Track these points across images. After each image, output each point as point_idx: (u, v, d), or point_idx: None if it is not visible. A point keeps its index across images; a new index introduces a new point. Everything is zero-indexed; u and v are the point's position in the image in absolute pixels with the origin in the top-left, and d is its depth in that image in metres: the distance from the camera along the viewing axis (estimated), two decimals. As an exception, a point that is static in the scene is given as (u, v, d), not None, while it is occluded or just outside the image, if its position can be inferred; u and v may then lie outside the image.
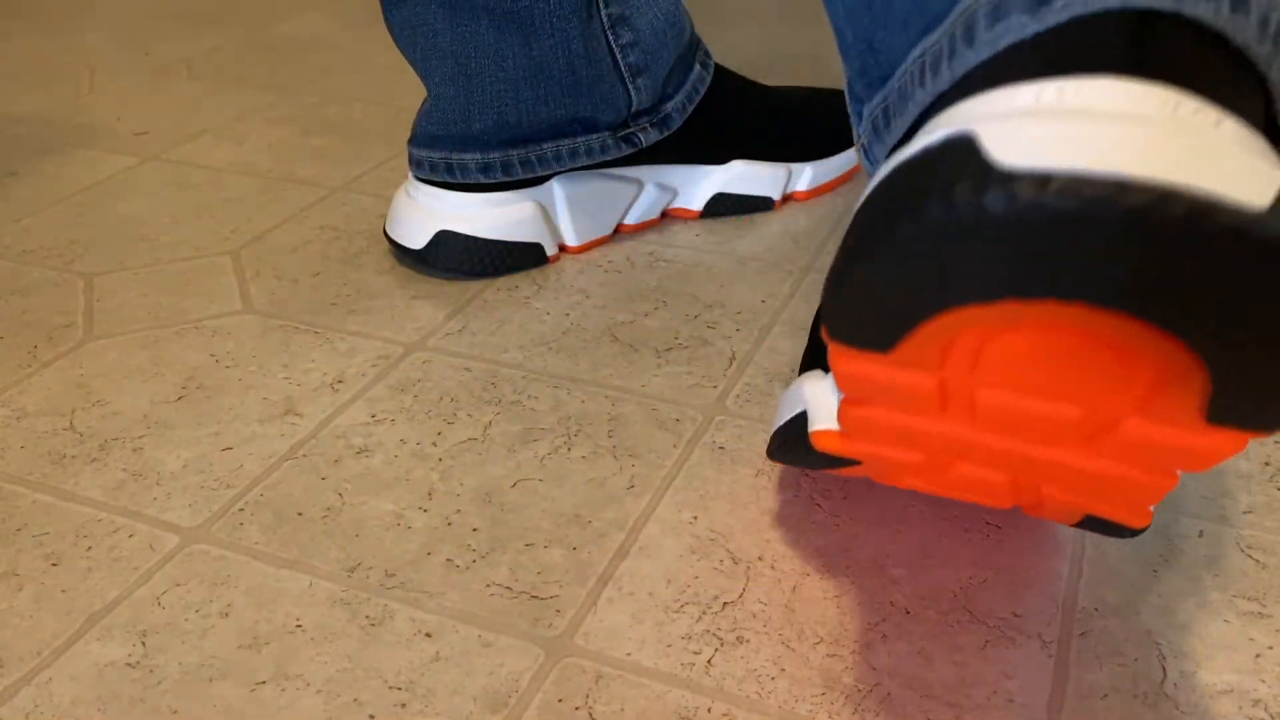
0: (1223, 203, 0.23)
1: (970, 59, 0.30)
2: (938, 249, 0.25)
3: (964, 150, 0.25)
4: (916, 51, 0.32)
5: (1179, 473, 0.32)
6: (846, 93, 0.40)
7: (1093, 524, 0.37)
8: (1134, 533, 0.37)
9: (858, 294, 0.27)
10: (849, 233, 0.27)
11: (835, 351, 0.30)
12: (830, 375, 0.40)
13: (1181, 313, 0.24)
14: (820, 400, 0.39)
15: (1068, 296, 0.25)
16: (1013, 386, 0.29)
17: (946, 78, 0.31)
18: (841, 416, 0.34)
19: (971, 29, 0.30)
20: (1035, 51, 0.28)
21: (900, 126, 0.34)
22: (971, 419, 0.31)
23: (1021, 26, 0.29)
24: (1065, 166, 0.23)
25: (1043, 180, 0.23)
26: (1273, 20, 0.28)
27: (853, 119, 0.39)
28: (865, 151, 0.38)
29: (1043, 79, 0.27)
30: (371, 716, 0.37)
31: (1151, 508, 0.34)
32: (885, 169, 0.27)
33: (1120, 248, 0.23)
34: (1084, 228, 0.23)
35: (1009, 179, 0.24)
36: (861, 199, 0.27)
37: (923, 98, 0.32)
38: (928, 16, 0.32)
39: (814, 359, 0.44)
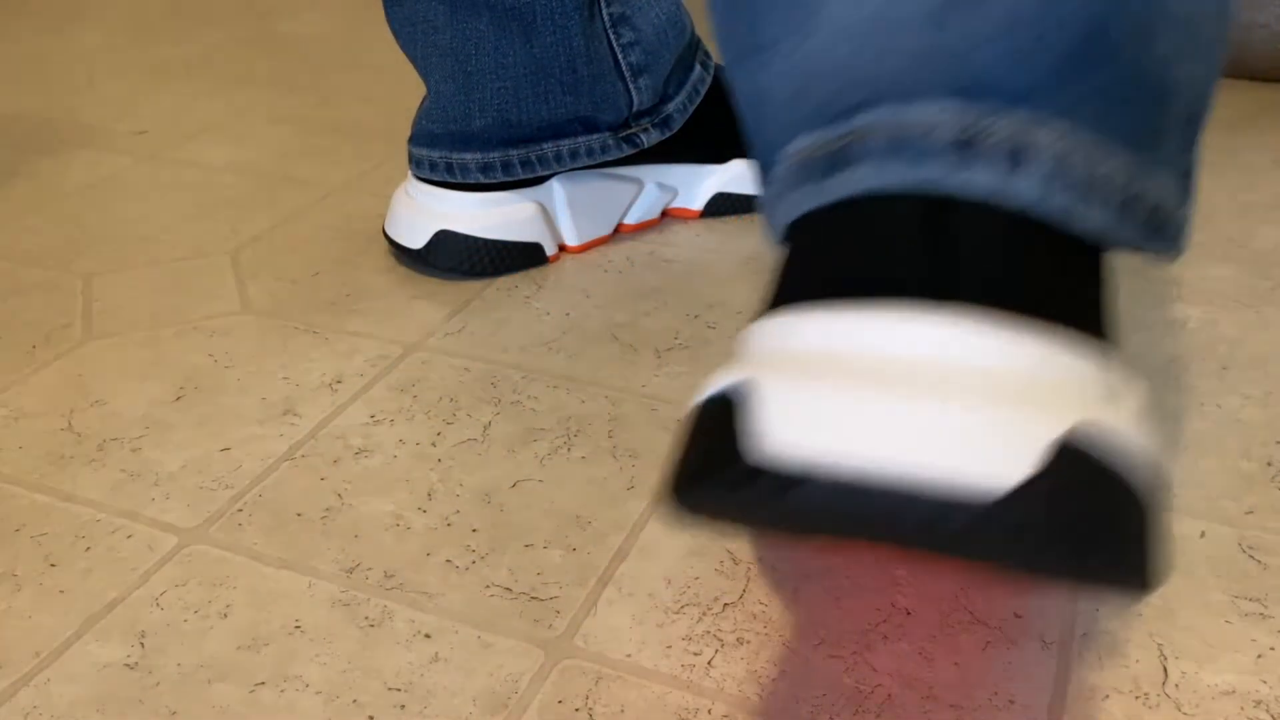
0: (957, 503, 0.23)
1: (782, 216, 0.29)
2: (730, 508, 0.26)
3: (727, 428, 0.25)
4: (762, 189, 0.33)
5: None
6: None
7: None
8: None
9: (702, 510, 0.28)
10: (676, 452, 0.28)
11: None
12: None
13: (963, 564, 0.25)
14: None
15: (869, 540, 0.26)
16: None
17: (777, 221, 0.30)
18: None
19: (781, 183, 0.30)
20: (829, 242, 0.27)
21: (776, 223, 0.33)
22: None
23: (818, 194, 0.28)
24: (816, 458, 0.24)
25: (785, 483, 0.24)
26: (1057, 174, 0.26)
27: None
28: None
29: (836, 299, 0.26)
30: (371, 717, 0.37)
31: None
32: (696, 401, 0.28)
33: (879, 536, 0.24)
34: (839, 521, 0.24)
35: (756, 475, 0.24)
36: (685, 423, 0.28)
37: (774, 220, 0.31)
38: (764, 161, 0.32)
39: None
